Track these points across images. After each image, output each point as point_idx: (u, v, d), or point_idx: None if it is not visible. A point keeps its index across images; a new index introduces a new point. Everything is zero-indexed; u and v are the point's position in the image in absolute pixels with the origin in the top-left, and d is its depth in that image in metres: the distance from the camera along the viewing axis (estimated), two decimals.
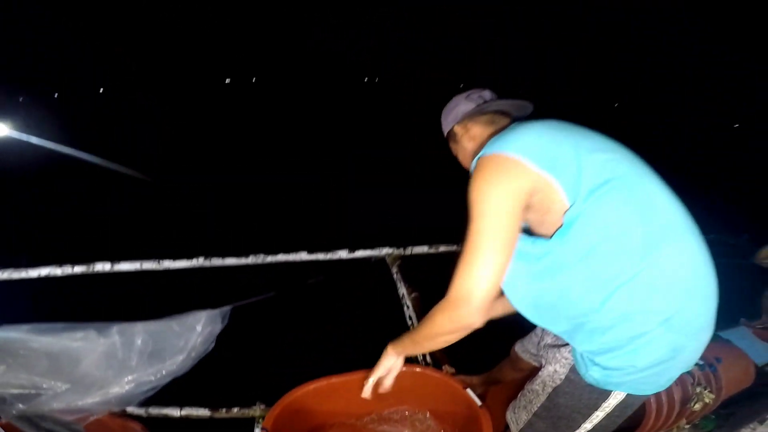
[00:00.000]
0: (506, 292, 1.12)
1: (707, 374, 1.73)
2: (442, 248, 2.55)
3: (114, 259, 2.18)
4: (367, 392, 1.36)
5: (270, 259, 2.48)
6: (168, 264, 2.31)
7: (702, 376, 1.71)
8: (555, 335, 1.25)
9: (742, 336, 2.03)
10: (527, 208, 1.01)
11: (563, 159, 0.97)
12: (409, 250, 2.55)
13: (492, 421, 1.41)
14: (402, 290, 2.26)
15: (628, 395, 1.09)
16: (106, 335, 1.25)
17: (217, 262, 2.39)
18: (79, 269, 2.22)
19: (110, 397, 1.22)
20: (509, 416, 1.42)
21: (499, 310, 1.56)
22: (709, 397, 1.69)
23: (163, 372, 1.29)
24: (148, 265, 2.27)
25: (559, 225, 1.00)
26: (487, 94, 1.32)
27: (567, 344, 1.18)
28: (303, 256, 2.51)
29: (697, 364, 1.75)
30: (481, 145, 1.12)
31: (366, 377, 1.39)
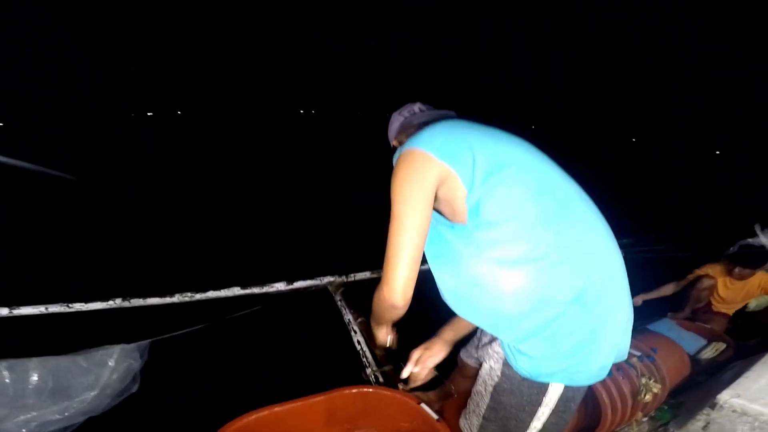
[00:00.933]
0: (438, 286, 1.14)
1: (648, 365, 1.77)
2: None
3: (13, 301, 1.86)
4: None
5: (199, 296, 2.27)
6: (79, 307, 2.02)
7: (644, 368, 1.75)
8: (490, 333, 1.24)
9: (668, 328, 2.13)
10: (438, 200, 1.09)
11: (460, 150, 1.05)
12: (351, 277, 2.46)
13: None
14: (348, 316, 2.14)
15: (566, 387, 1.08)
16: None
17: (137, 302, 2.13)
18: None
19: None
20: (462, 423, 1.34)
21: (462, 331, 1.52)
22: (656, 387, 1.72)
23: (72, 410, 1.06)
24: (55, 308, 1.97)
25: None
26: (416, 107, 1.41)
27: (496, 341, 1.17)
28: (236, 291, 2.33)
29: (635, 356, 1.80)
30: None
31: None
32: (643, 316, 2.43)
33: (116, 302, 2.10)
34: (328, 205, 7.67)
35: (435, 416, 1.38)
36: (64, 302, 1.99)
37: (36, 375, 1.06)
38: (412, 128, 1.35)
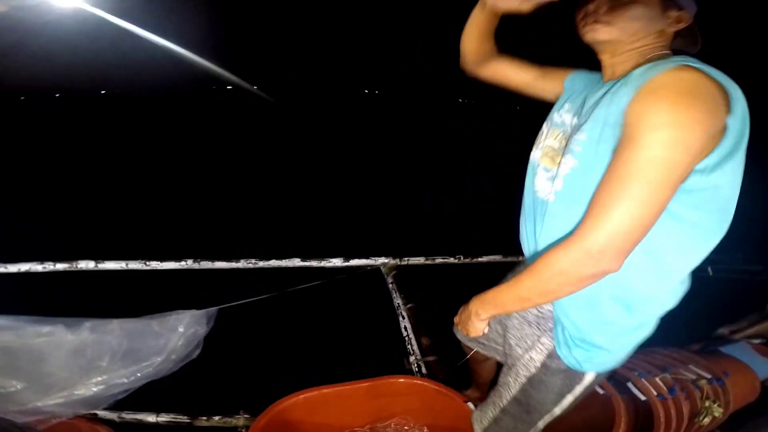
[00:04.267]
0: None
1: (715, 388, 1.61)
2: (439, 260, 2.42)
3: (98, 256, 2.01)
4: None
5: (262, 264, 2.33)
6: (155, 265, 2.15)
7: (710, 390, 1.60)
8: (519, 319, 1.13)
9: (742, 351, 1.93)
10: None
11: (746, 117, 0.77)
12: (405, 261, 2.42)
13: None
14: (397, 300, 2.12)
15: (597, 375, 1.01)
16: (75, 332, 1.08)
17: (206, 265, 2.22)
18: (61, 266, 2.05)
19: (75, 398, 1.04)
20: (474, 416, 1.24)
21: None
22: (718, 411, 1.58)
23: (138, 375, 1.12)
24: (134, 265, 2.11)
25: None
26: None
27: (543, 330, 1.06)
28: (296, 262, 2.36)
29: (705, 378, 1.64)
30: (666, 49, 0.89)
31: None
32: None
33: (188, 263, 2.20)
34: (390, 187, 7.56)
35: None
36: (142, 260, 2.13)
37: (114, 337, 1.12)
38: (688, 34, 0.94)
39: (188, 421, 1.38)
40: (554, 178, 0.94)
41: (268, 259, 2.33)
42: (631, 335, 0.96)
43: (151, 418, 1.35)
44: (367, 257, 2.41)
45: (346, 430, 1.41)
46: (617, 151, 0.77)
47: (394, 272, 2.32)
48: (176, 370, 1.23)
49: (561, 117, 1.02)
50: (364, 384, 1.39)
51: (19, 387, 1.00)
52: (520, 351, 1.10)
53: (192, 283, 2.19)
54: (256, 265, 2.31)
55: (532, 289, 0.88)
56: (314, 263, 2.38)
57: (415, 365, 1.79)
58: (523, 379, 1.07)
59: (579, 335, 0.96)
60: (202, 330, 1.31)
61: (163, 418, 1.36)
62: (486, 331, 1.08)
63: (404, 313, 2.03)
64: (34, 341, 1.03)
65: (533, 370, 1.06)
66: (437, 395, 1.41)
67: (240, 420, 1.42)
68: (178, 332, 1.21)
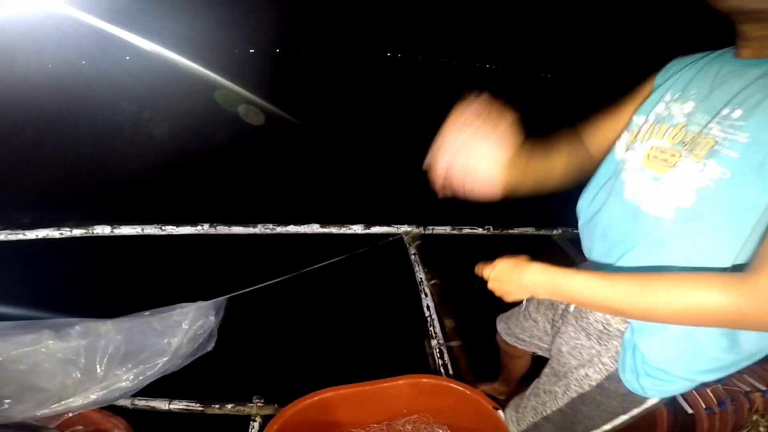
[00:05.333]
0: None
1: (767, 401, 1.44)
2: (466, 230, 2.23)
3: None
4: None
5: (279, 229, 2.20)
6: (171, 229, 2.05)
7: (762, 404, 1.42)
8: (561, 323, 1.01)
9: None
10: None
11: None
12: (429, 230, 2.24)
13: None
14: (420, 275, 1.97)
15: (660, 399, 0.88)
16: (64, 337, 0.98)
17: (222, 230, 2.12)
18: (78, 232, 1.98)
19: (73, 407, 0.97)
20: (508, 415, 1.15)
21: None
22: (763, 425, 1.42)
23: (140, 378, 1.03)
24: (150, 230, 2.01)
25: None
26: None
27: (604, 346, 0.91)
28: (315, 228, 2.23)
29: (759, 391, 1.46)
30: None
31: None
32: None
33: (204, 228, 2.10)
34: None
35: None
36: (157, 224, 2.02)
37: (109, 341, 1.01)
38: None
39: (201, 408, 1.33)
40: (664, 185, 0.72)
41: (286, 224, 2.21)
42: (723, 370, 0.78)
43: (163, 405, 1.30)
44: (389, 225, 2.25)
45: (360, 425, 1.32)
46: None
47: (417, 242, 2.15)
48: (187, 364, 1.13)
49: (668, 109, 0.79)
50: (384, 384, 1.28)
51: (6, 403, 0.91)
52: (573, 362, 0.97)
53: (199, 276, 2.09)
54: (274, 231, 2.20)
55: (638, 308, 0.66)
56: (333, 230, 2.24)
57: (437, 349, 1.66)
58: (573, 394, 0.96)
59: (658, 365, 0.80)
60: (211, 322, 1.20)
61: (176, 405, 1.31)
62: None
63: (427, 290, 1.89)
64: (19, 351, 0.93)
65: (587, 388, 0.94)
66: (464, 397, 1.29)
67: (253, 408, 1.35)
68: (183, 328, 1.10)
